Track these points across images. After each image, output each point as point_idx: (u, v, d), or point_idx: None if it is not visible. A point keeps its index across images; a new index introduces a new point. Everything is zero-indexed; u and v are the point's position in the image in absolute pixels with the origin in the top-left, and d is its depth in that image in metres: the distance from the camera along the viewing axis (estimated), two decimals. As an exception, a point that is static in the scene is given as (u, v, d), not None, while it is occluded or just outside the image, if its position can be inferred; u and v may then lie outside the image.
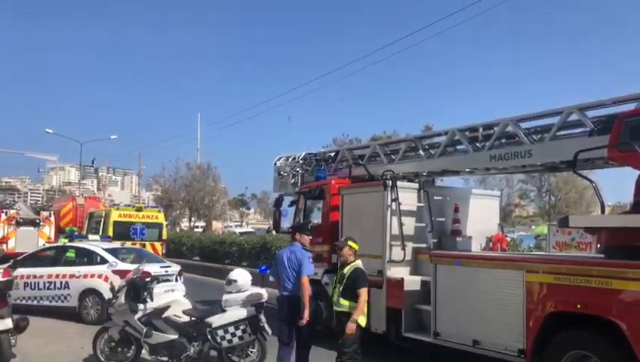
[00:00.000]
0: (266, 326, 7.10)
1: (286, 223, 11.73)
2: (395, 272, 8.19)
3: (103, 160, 77.20)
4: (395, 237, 8.27)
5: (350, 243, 6.45)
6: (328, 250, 9.39)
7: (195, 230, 38.41)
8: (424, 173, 9.47)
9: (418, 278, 8.12)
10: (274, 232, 15.80)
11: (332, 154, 11.97)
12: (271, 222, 14.06)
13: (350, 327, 6.04)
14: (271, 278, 7.43)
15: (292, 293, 6.76)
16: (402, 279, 8.01)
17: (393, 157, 9.96)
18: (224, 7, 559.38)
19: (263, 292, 7.19)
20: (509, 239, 10.51)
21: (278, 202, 11.70)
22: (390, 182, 8.42)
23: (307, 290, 6.63)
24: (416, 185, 8.84)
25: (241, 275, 7.24)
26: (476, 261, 7.22)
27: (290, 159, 12.49)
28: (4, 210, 19.51)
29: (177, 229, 40.62)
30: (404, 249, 8.21)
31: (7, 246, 18.50)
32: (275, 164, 12.79)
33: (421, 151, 9.48)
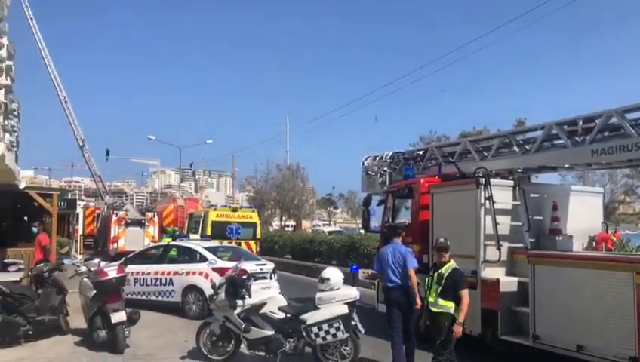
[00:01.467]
0: (359, 324, 7.18)
1: (374, 222, 11.75)
2: (490, 273, 7.96)
3: (199, 163, 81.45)
4: (490, 236, 8.03)
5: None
6: (418, 250, 9.30)
7: (286, 229, 39.43)
8: (519, 170, 9.13)
9: (515, 279, 7.84)
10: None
11: (420, 152, 11.82)
12: (360, 222, 14.17)
13: (457, 330, 6.10)
14: (361, 274, 7.64)
15: (398, 285, 7.22)
16: (498, 280, 7.77)
17: (485, 153, 9.67)
18: (313, 9, 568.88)
19: (356, 291, 7.29)
20: (615, 238, 9.83)
21: (367, 201, 11.76)
22: (483, 179, 8.18)
23: (414, 280, 7.11)
24: (511, 183, 8.53)
25: (333, 273, 7.36)
26: (579, 261, 6.86)
27: (378, 158, 12.51)
28: (115, 212, 21.29)
29: (269, 228, 41.93)
30: (499, 249, 7.95)
31: (117, 245, 20.20)
32: (363, 163, 12.87)
33: (515, 147, 9.12)
